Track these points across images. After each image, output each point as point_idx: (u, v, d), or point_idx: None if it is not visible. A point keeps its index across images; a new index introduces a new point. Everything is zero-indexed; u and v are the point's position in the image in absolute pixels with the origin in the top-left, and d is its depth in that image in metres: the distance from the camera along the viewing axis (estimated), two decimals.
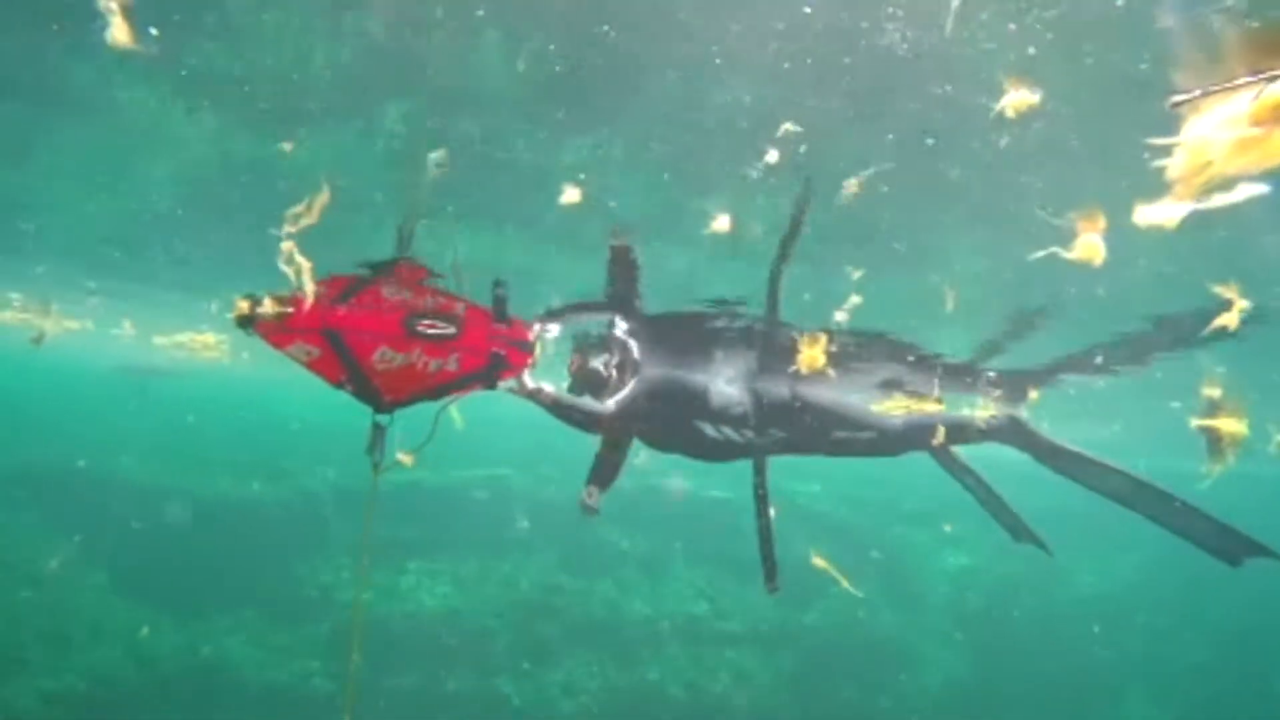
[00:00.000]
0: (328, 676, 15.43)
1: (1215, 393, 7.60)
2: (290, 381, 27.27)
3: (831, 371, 6.47)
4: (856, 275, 6.49)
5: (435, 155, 5.48)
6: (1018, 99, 3.78)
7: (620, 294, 7.29)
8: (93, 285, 13.28)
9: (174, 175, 7.09)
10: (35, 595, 15.38)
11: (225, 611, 16.40)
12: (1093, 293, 6.52)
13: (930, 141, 4.46)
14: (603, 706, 15.52)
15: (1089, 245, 4.65)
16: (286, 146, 5.84)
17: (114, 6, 3.94)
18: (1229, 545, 4.79)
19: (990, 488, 5.87)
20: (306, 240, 4.60)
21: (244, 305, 3.88)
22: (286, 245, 4.46)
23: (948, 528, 21.66)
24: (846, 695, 17.03)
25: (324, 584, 17.43)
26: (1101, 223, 4.60)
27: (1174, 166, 3.09)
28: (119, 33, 4.02)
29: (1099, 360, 8.55)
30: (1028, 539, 5.93)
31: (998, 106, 3.83)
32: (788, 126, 4.41)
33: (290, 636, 16.19)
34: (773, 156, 4.49)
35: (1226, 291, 5.29)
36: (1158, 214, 4.05)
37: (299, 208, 5.17)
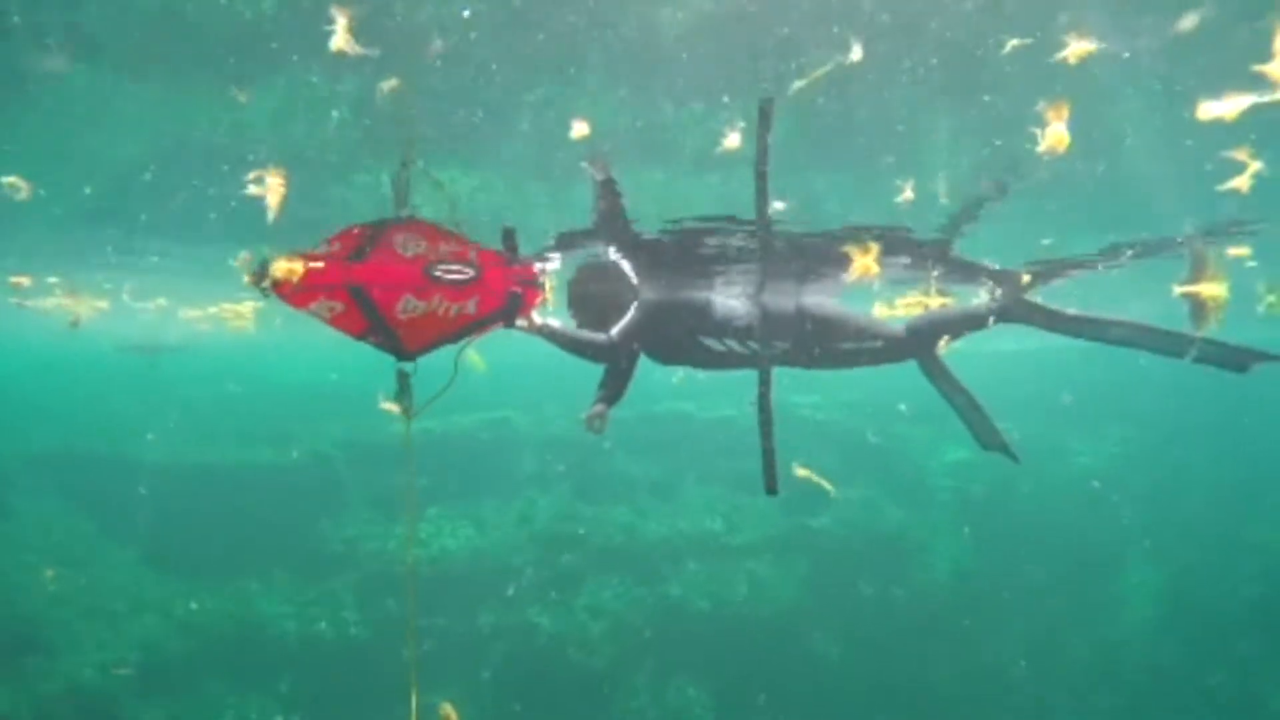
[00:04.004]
0: (363, 625, 16.02)
1: (1244, 251, 7.84)
2: (307, 346, 27.28)
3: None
4: (908, 190, 6.47)
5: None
6: (1079, 49, 4.06)
7: (609, 222, 7.35)
8: (155, 258, 13.22)
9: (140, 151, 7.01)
10: (73, 575, 15.83)
11: (256, 574, 16.89)
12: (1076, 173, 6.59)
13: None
14: (630, 624, 16.17)
15: (1056, 134, 4.78)
16: (241, 97, 5.72)
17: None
18: (1233, 359, 5.16)
19: (974, 399, 5.95)
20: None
21: (259, 268, 3.97)
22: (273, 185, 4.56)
23: (902, 407, 22.01)
24: (862, 591, 17.76)
25: (347, 538, 17.91)
26: (1066, 112, 4.71)
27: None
28: (341, 40, 4.24)
29: (1109, 260, 8.64)
30: (998, 449, 6.02)
31: (1060, 55, 4.10)
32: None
33: (322, 590, 16.73)
34: (857, 53, 4.53)
35: (1238, 154, 5.35)
36: (1221, 107, 4.30)
37: (254, 174, 5.23)
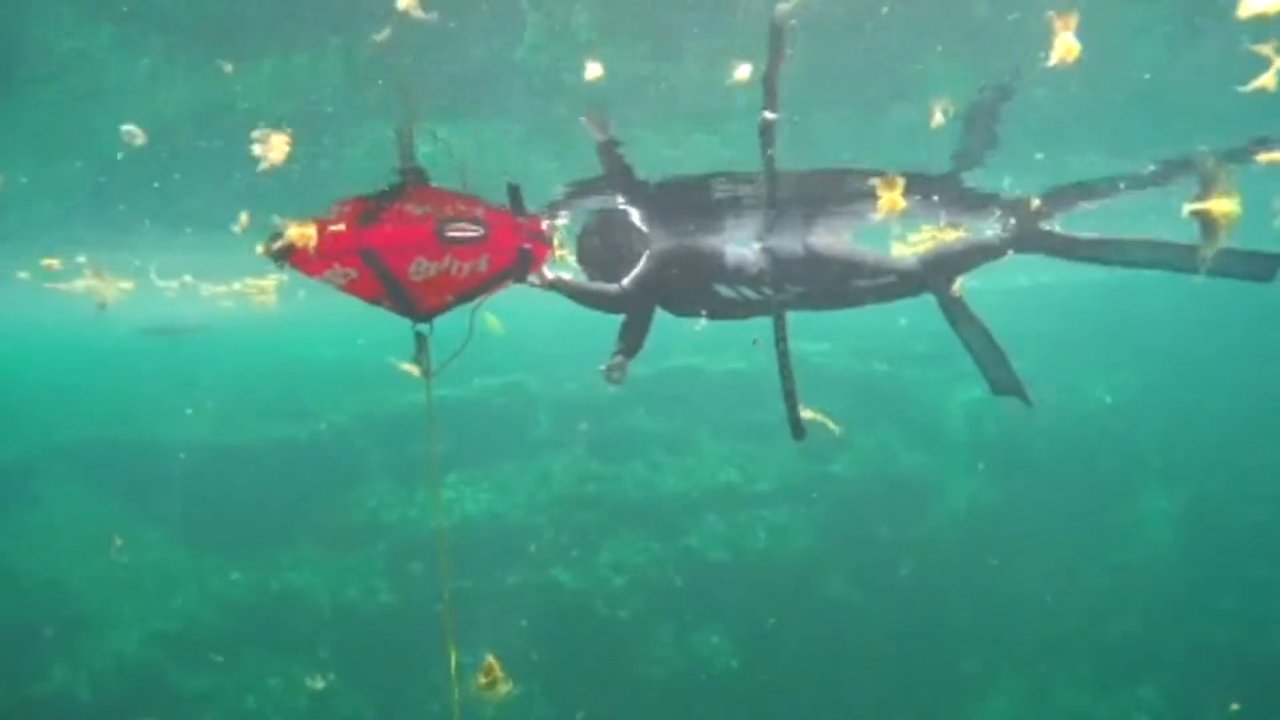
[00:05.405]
0: (392, 591, 16.38)
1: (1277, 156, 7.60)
2: (325, 321, 27.36)
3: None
4: (941, 115, 6.29)
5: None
6: None
7: (615, 174, 7.33)
8: (189, 230, 13.22)
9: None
10: (108, 555, 16.25)
11: (284, 547, 17.24)
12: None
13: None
14: (652, 578, 16.45)
15: (1066, 44, 4.64)
16: (228, 68, 5.64)
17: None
18: (1258, 268, 5.05)
19: (992, 338, 5.79)
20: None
21: (273, 236, 4.00)
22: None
23: (903, 320, 21.93)
24: (881, 532, 17.97)
25: (370, 508, 18.20)
26: (1074, 21, 4.57)
27: None
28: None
29: (1122, 186, 8.48)
30: (1012, 392, 5.88)
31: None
32: None
33: (350, 560, 17.08)
34: None
35: (1263, 49, 5.14)
36: (1264, 2, 4.21)
37: (259, 133, 5.18)
